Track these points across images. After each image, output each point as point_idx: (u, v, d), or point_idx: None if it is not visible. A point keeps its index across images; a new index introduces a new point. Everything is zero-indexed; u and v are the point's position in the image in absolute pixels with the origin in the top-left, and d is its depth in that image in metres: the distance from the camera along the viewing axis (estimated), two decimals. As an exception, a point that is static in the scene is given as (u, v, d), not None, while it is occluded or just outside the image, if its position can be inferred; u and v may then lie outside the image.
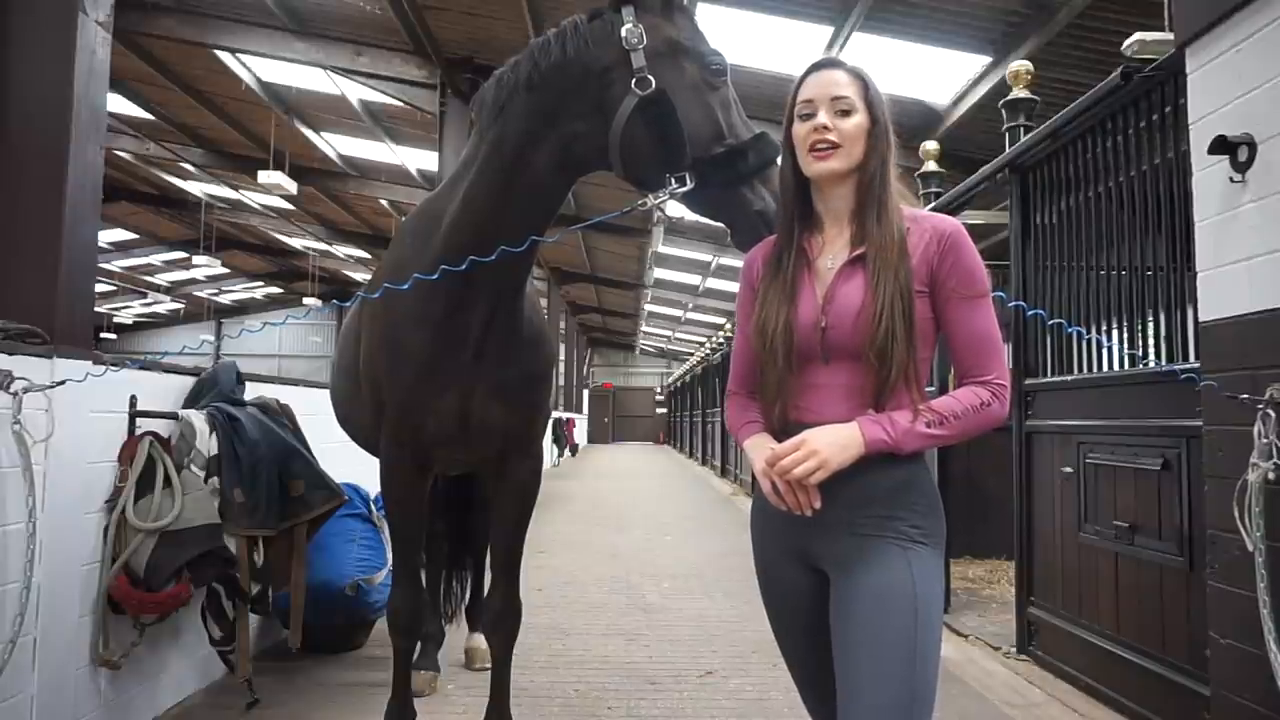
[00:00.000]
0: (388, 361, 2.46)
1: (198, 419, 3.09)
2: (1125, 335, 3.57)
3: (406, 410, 2.47)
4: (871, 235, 1.53)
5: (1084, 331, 3.35)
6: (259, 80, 11.31)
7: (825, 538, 1.53)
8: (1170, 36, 2.86)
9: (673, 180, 1.91)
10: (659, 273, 20.31)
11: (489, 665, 2.80)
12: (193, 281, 31.67)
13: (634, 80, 1.94)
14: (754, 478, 1.64)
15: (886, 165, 1.56)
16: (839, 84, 1.56)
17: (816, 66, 1.60)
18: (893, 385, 1.47)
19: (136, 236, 24.29)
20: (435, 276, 2.11)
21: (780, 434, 1.57)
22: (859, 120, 1.55)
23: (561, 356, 25.76)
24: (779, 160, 1.72)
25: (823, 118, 1.54)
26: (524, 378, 2.54)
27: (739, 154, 1.89)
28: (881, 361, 1.46)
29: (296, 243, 24.87)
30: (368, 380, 2.58)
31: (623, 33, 1.97)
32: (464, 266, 2.08)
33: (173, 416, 3.09)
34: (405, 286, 2.14)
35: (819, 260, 1.59)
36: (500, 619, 2.71)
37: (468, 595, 3.98)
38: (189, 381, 3.35)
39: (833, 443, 1.43)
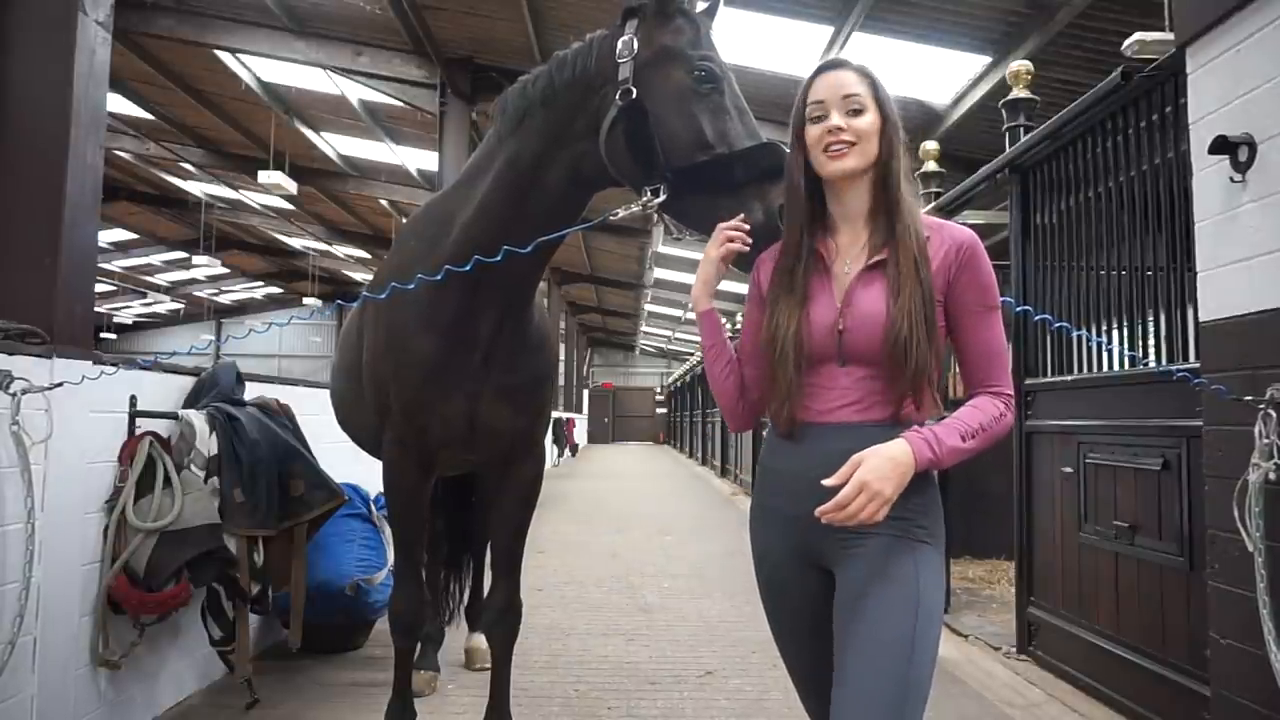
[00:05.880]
0: (394, 364, 2.45)
1: (198, 419, 3.09)
2: (1125, 335, 3.57)
3: (412, 412, 2.47)
4: (893, 239, 1.53)
5: (1086, 334, 3.34)
6: (259, 80, 11.31)
7: (831, 536, 1.53)
8: (1170, 36, 2.86)
9: (648, 191, 1.86)
10: (659, 273, 20.30)
11: (489, 665, 2.81)
12: (193, 281, 31.67)
13: (619, 91, 1.92)
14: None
15: (900, 163, 1.56)
16: (848, 83, 1.55)
17: (823, 68, 1.60)
18: (908, 390, 1.48)
19: (136, 236, 24.28)
20: (448, 274, 2.09)
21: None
22: (871, 119, 1.54)
23: (561, 356, 25.73)
24: (781, 172, 1.68)
25: (836, 118, 1.53)
26: (530, 381, 2.54)
27: (723, 164, 1.79)
28: (900, 367, 1.47)
29: (296, 243, 24.87)
30: (372, 382, 2.57)
31: (618, 45, 1.95)
32: (468, 268, 2.06)
33: (173, 416, 3.09)
34: (383, 295, 2.13)
35: (835, 265, 1.59)
36: (500, 619, 2.71)
37: (467, 595, 3.98)
38: (189, 381, 3.36)
39: (888, 476, 1.37)
